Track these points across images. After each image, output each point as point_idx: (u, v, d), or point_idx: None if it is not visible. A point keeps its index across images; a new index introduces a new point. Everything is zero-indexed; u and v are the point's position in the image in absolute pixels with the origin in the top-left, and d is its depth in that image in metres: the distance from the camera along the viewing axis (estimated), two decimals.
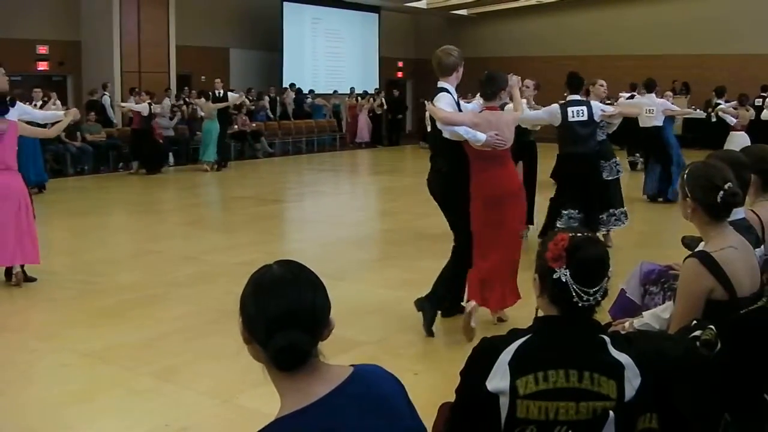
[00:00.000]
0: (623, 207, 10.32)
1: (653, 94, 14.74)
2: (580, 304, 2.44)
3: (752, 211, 4.30)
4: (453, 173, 6.76)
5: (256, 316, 2.00)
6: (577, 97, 9.74)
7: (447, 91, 6.77)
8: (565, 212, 9.66)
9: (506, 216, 6.67)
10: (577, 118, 9.49)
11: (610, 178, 10.15)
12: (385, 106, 28.94)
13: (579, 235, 2.49)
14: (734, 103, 16.04)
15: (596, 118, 9.61)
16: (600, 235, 9.60)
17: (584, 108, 9.56)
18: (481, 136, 6.41)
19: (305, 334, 1.97)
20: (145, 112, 18.82)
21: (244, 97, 21.90)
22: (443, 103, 6.61)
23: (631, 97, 17.86)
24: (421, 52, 35.03)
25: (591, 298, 2.45)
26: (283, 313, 1.97)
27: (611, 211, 10.11)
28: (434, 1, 31.00)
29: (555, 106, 9.63)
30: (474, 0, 30.62)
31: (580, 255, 2.44)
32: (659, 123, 14.46)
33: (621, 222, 10.23)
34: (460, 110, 6.85)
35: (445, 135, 6.61)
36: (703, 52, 26.86)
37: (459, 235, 6.92)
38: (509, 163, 6.90)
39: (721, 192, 3.36)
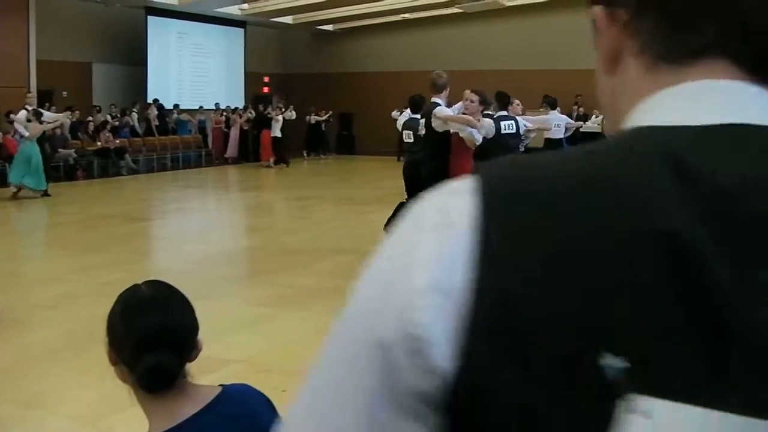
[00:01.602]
0: None
1: (557, 111, 16.59)
2: None
3: None
4: (438, 163, 8.99)
5: (122, 337, 1.97)
6: (505, 112, 11.18)
7: (439, 104, 9.14)
8: None
9: None
10: (508, 131, 10.81)
11: None
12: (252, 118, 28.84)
13: None
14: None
15: (521, 131, 11.40)
16: None
17: (513, 122, 11.07)
18: (479, 137, 9.02)
19: (173, 355, 1.95)
20: None
21: (68, 116, 20.72)
22: (450, 111, 9.27)
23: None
24: (288, 67, 35.02)
25: None
26: (151, 334, 1.94)
27: None
28: (300, 16, 31.03)
29: (490, 121, 10.78)
30: (340, 16, 30.78)
31: None
32: (562, 135, 16.28)
33: None
34: None
35: (462, 135, 9.05)
36: (571, 67, 27.62)
37: None
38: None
39: None
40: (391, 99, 30.84)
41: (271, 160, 26.65)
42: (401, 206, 11.56)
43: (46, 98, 23.31)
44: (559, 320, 0.62)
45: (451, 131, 9.35)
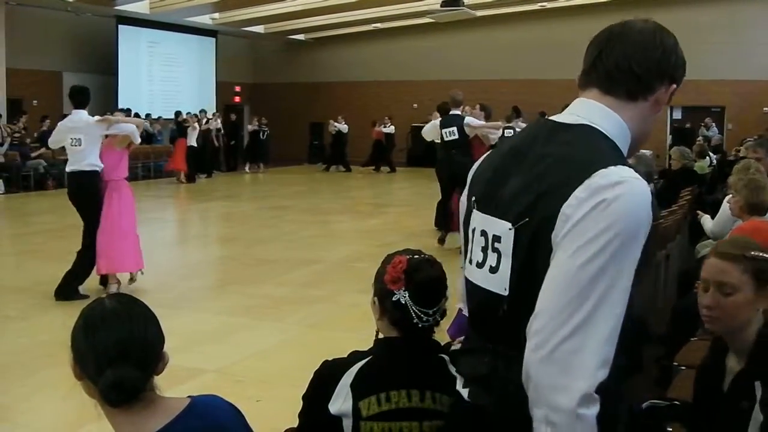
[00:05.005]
0: None
1: (520, 120, 17.05)
2: (419, 325, 2.48)
3: None
4: (469, 159, 10.50)
5: (85, 352, 1.97)
6: (520, 121, 12.80)
7: (464, 116, 12.34)
8: None
9: None
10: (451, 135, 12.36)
11: None
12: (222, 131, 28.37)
13: (417, 257, 2.54)
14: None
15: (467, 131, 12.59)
16: None
17: (454, 128, 12.36)
18: (494, 138, 12.66)
19: (136, 369, 1.94)
20: None
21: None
22: (479, 122, 12.50)
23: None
24: (259, 77, 34.95)
25: (430, 318, 2.49)
26: (113, 349, 1.94)
27: None
28: (272, 25, 30.97)
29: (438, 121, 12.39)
30: (312, 26, 30.77)
31: (419, 276, 2.48)
32: None
33: None
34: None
35: (492, 137, 12.68)
36: (532, 77, 27.86)
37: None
38: None
39: None
40: (362, 108, 30.93)
41: (182, 174, 24.78)
42: (441, 205, 13.27)
43: (16, 107, 23.17)
44: (469, 186, 2.23)
45: (470, 135, 12.27)
